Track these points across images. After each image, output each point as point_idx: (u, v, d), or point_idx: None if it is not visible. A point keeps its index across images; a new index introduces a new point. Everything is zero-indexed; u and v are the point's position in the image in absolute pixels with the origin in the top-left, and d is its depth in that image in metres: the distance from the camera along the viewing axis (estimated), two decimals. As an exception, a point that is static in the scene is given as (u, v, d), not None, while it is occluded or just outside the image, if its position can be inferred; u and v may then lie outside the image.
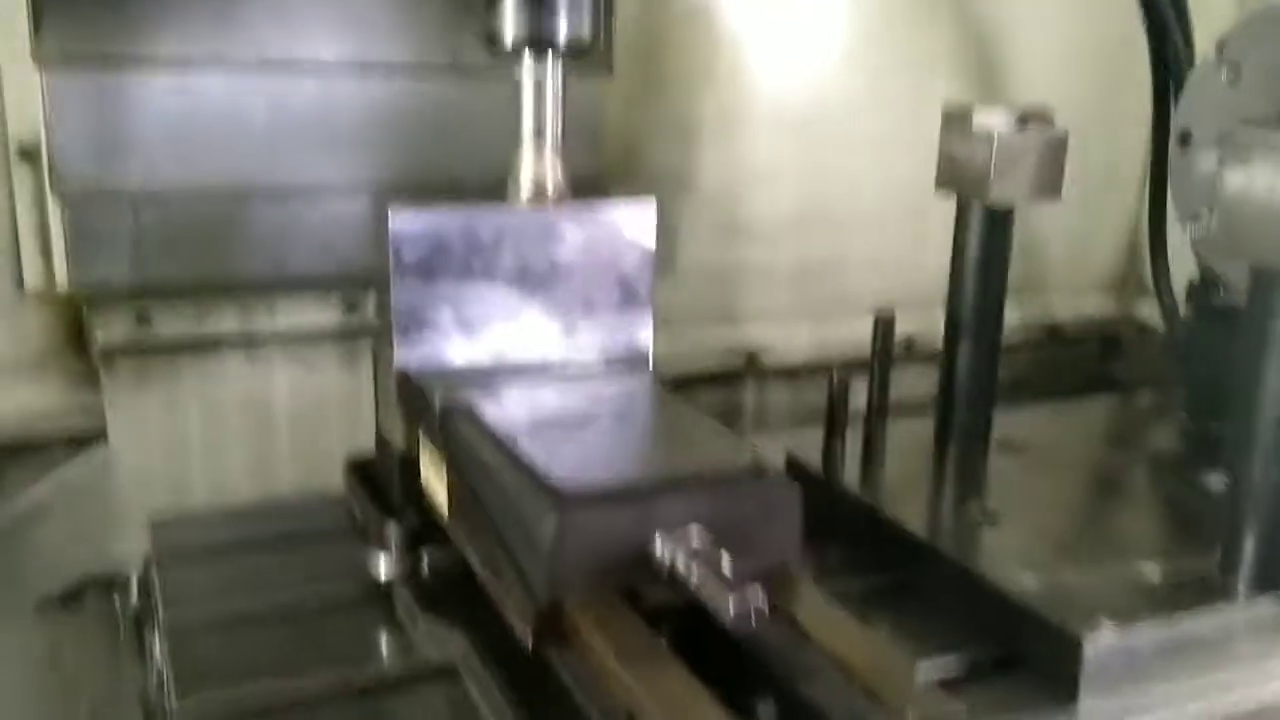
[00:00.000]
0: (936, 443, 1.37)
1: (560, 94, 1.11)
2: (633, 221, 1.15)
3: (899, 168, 2.14)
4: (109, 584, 1.54)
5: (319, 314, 1.77)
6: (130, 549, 1.73)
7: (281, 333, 1.76)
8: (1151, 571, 1.06)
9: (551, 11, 1.04)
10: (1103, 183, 2.33)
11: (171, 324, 1.69)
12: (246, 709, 0.89)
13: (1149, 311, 2.34)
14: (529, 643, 0.83)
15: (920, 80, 2.14)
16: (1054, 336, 2.34)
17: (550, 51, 1.08)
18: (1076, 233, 2.35)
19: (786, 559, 0.88)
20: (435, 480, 1.02)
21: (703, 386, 2.08)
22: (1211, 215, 1.00)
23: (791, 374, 2.16)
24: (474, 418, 0.97)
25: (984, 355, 1.35)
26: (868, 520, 1.19)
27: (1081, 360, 2.39)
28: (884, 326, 1.27)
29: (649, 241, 1.17)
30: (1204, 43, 1.77)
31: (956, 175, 1.30)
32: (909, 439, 1.36)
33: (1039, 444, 1.36)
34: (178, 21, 1.54)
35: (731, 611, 0.77)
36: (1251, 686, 1.00)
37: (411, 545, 0.99)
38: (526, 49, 1.07)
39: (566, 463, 0.87)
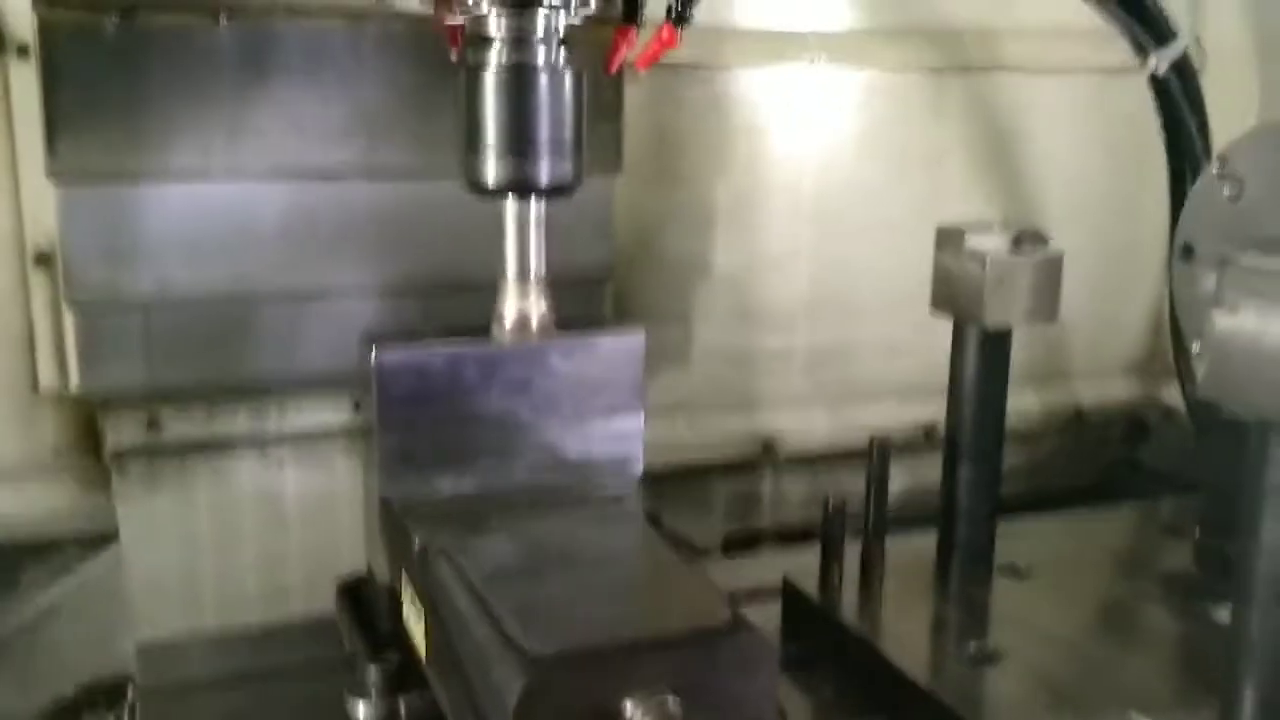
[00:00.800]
0: (938, 566, 1.35)
1: (543, 231, 1.11)
2: (621, 352, 1.15)
3: (913, 253, 2.09)
4: (109, 696, 1.54)
5: (328, 413, 1.78)
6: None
7: (291, 433, 1.77)
8: (1148, 724, 1.03)
9: (534, 159, 1.05)
10: (1125, 261, 2.31)
11: (182, 427, 1.70)
12: None
13: (1175, 394, 2.30)
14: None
15: (934, 167, 2.13)
16: (1078, 421, 2.30)
17: (533, 194, 1.08)
18: (1100, 314, 2.31)
19: (761, 714, 0.86)
20: (415, 620, 1.01)
21: (719, 473, 2.07)
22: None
23: (809, 461, 2.14)
24: (451, 561, 0.96)
25: (984, 478, 1.33)
26: (864, 653, 1.16)
27: (1106, 445, 2.35)
28: (880, 452, 1.25)
29: (637, 372, 1.16)
30: (1221, 135, 1.75)
31: (951, 296, 1.29)
32: (910, 559, 1.34)
33: (1046, 567, 1.32)
34: (190, 134, 1.56)
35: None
36: None
37: (393, 688, 0.98)
38: (509, 193, 1.07)
39: (537, 619, 0.86)
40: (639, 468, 1.16)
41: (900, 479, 2.18)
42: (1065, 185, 2.22)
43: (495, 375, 1.10)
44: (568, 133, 1.06)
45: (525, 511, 1.08)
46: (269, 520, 1.79)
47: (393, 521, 1.06)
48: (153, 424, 1.68)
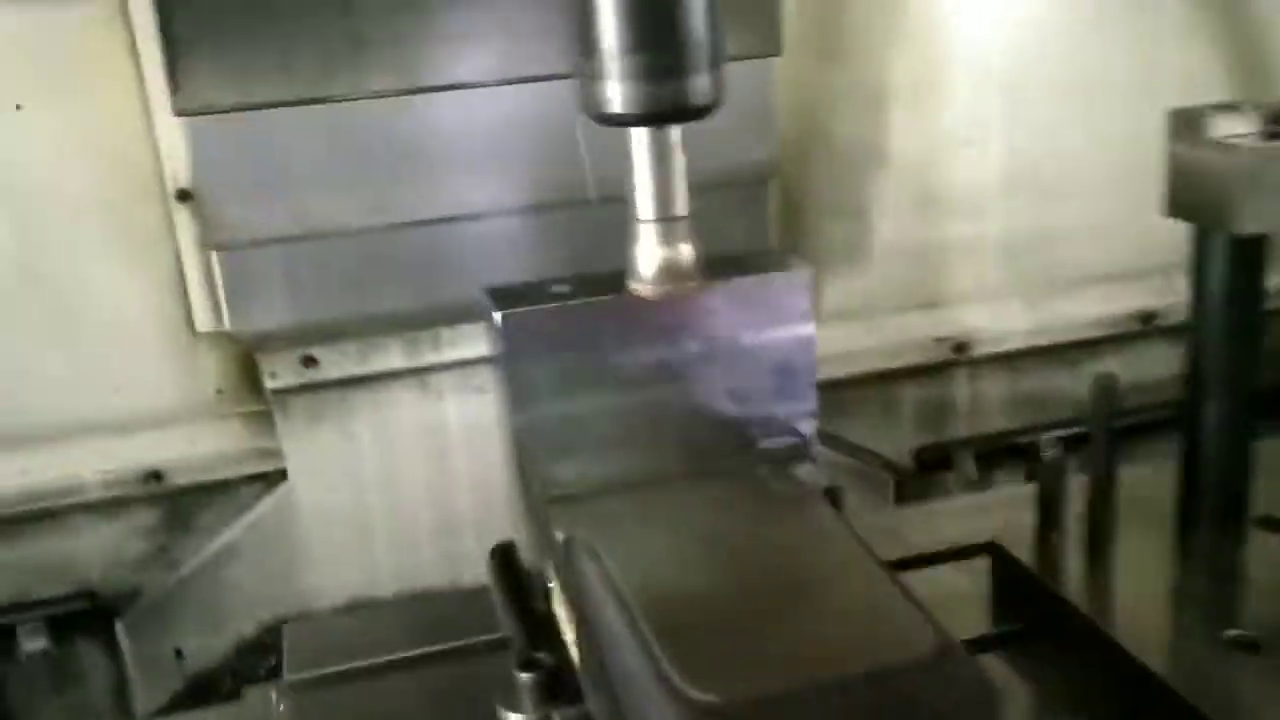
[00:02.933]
0: (1179, 519, 1.14)
1: (683, 157, 0.95)
2: (784, 297, 0.99)
3: (1122, 118, 1.87)
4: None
5: (483, 342, 1.68)
6: (317, 583, 1.73)
7: (449, 362, 1.69)
8: None
9: (672, 78, 0.87)
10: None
11: (338, 362, 1.64)
12: None
13: None
14: None
15: (1148, 15, 1.84)
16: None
17: (673, 120, 0.91)
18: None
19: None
20: (565, 618, 0.91)
21: (908, 381, 1.90)
22: None
23: (1007, 360, 1.94)
24: (597, 559, 0.85)
25: (1235, 416, 1.10)
26: (1089, 635, 0.99)
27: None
28: (1103, 391, 1.05)
29: (804, 317, 1.00)
30: None
31: (1191, 198, 1.06)
32: (1140, 504, 1.14)
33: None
34: (315, 59, 1.46)
35: None
36: None
37: (546, 698, 0.88)
38: (643, 122, 0.91)
39: (696, 649, 0.74)
40: (812, 427, 1.00)
41: (1118, 374, 1.98)
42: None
43: (638, 332, 0.96)
44: (709, 37, 0.89)
45: (681, 489, 0.94)
46: (434, 451, 1.73)
47: (533, 504, 0.94)
48: (308, 361, 1.63)
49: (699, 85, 0.87)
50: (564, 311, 0.95)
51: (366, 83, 1.50)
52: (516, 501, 1.02)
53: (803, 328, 0.98)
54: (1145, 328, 1.95)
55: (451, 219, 1.58)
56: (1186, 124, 1.06)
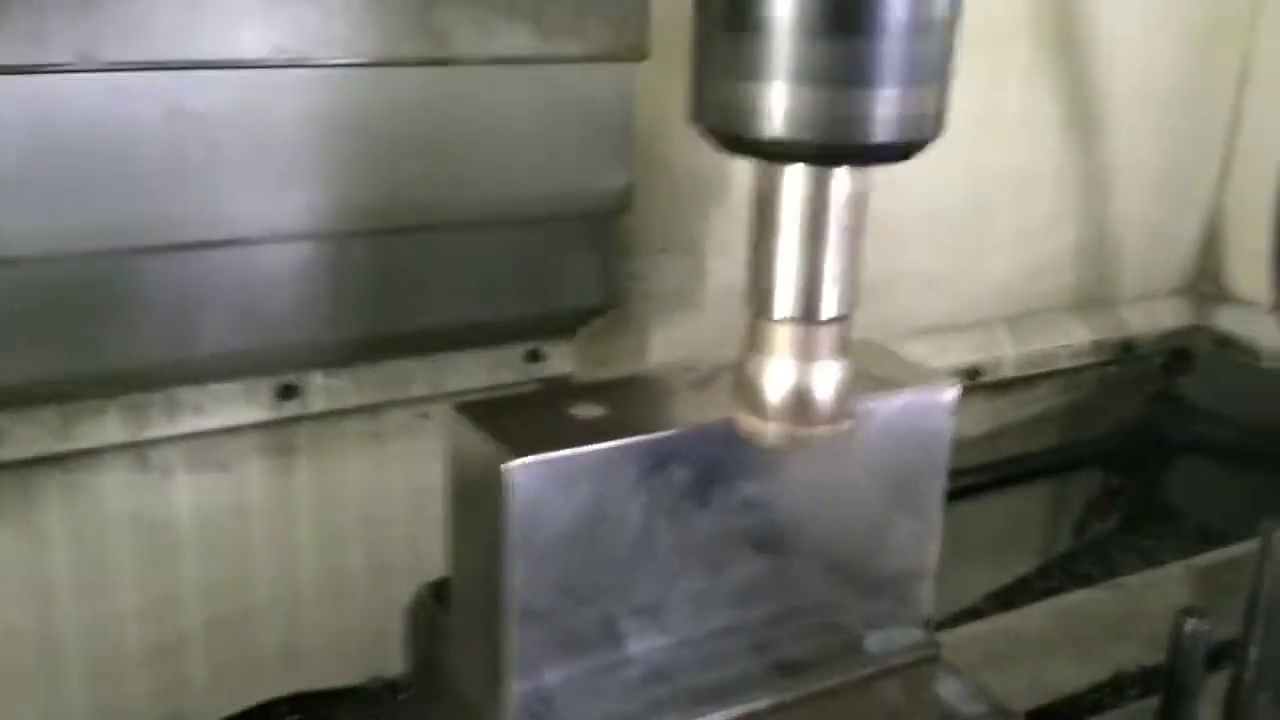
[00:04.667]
0: None
1: (855, 221, 0.61)
2: (921, 421, 0.67)
3: (965, 160, 1.72)
4: None
5: (238, 408, 1.27)
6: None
7: (186, 433, 1.26)
8: None
9: (869, 86, 0.53)
10: (1185, 167, 1.95)
11: (28, 439, 1.17)
12: None
13: (1229, 320, 1.99)
14: None
15: (995, 55, 1.71)
16: (1127, 353, 1.97)
17: (855, 157, 0.58)
18: (1151, 227, 1.96)
19: None
20: None
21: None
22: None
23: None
24: None
25: None
26: None
27: (1146, 377, 2.04)
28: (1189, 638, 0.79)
29: (943, 449, 0.68)
30: None
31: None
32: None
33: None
34: (13, 13, 0.99)
35: None
36: None
37: None
38: (807, 157, 0.56)
39: None
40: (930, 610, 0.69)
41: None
42: (1133, 70, 1.83)
43: (722, 483, 0.61)
44: (935, 36, 0.56)
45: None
46: (154, 547, 1.29)
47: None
48: (-22, 439, 1.14)
49: (917, 104, 0.54)
50: (613, 457, 0.57)
51: (90, 51, 1.03)
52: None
53: (938, 463, 0.67)
54: (970, 383, 1.81)
55: (209, 244, 1.15)
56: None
